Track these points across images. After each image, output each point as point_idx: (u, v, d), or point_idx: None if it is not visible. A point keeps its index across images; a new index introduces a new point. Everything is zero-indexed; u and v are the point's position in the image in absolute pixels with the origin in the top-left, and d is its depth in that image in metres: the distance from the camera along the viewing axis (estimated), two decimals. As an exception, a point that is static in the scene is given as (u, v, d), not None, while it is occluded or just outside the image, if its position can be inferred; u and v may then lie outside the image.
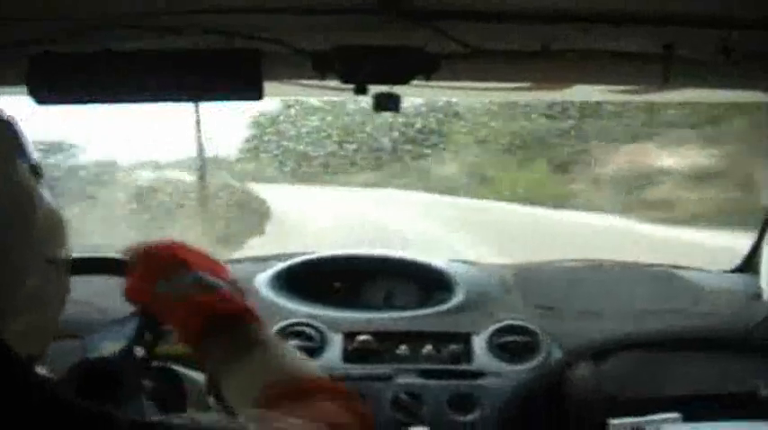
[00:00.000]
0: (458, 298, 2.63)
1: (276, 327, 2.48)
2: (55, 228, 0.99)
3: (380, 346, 2.50)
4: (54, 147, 7.58)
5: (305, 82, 2.03)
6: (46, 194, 0.98)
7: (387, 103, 1.97)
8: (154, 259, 1.47)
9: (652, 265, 3.00)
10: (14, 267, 0.91)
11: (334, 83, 1.93)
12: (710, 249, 7.01)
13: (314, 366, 1.31)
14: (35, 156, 1.03)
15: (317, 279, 2.72)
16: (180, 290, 1.39)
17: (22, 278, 0.92)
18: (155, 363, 1.82)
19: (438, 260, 2.80)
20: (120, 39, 1.78)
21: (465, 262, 2.85)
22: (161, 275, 1.43)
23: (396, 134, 8.55)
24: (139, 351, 1.68)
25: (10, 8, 1.63)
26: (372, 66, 1.86)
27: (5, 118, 0.99)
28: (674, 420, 2.25)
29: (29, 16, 1.67)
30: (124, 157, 9.47)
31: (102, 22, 1.72)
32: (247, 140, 9.82)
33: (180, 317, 1.39)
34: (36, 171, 0.97)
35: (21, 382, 0.85)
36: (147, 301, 1.48)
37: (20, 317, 0.93)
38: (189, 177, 9.14)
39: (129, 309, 2.29)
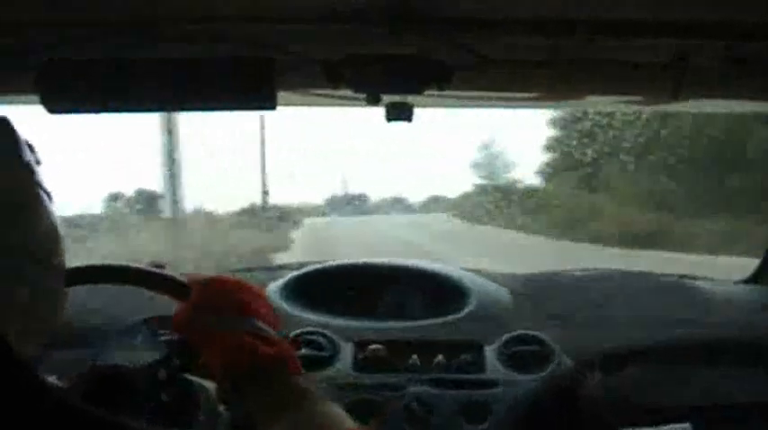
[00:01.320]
0: (470, 307, 2.63)
1: (288, 337, 2.48)
2: (52, 231, 0.99)
3: (392, 356, 2.49)
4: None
5: (318, 91, 2.04)
6: (43, 197, 0.98)
7: (399, 113, 1.97)
8: (214, 294, 1.47)
9: (663, 275, 3.00)
10: (11, 267, 0.91)
11: (346, 92, 1.93)
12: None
13: (353, 425, 1.33)
14: (30, 155, 1.03)
15: (329, 288, 2.72)
16: (233, 330, 1.39)
17: (18, 278, 0.92)
18: (163, 371, 1.83)
19: (450, 269, 2.80)
20: (133, 47, 1.78)
21: (477, 271, 2.85)
22: (217, 312, 1.43)
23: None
24: (162, 373, 1.70)
25: (21, 15, 1.65)
26: (385, 75, 1.87)
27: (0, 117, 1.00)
28: (684, 430, 2.25)
29: (40, 23, 1.68)
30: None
31: (115, 30, 1.73)
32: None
33: (226, 356, 1.39)
34: (30, 168, 0.97)
35: (30, 388, 0.86)
36: (193, 332, 1.48)
37: (16, 318, 0.93)
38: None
39: (136, 317, 2.31)
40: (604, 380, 2.52)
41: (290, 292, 2.68)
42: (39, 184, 0.97)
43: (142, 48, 1.78)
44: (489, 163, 24.92)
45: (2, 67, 1.84)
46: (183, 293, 1.59)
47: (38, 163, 1.08)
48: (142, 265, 1.75)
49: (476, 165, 25.65)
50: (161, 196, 15.98)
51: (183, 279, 1.63)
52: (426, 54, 1.85)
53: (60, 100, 1.77)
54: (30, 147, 1.06)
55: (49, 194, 1.00)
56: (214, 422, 1.78)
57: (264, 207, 21.04)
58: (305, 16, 1.68)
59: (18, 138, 1.00)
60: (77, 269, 1.68)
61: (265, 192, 20.89)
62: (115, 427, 0.90)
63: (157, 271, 1.71)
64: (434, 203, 32.12)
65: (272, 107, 1.83)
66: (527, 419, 2.43)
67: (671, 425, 2.27)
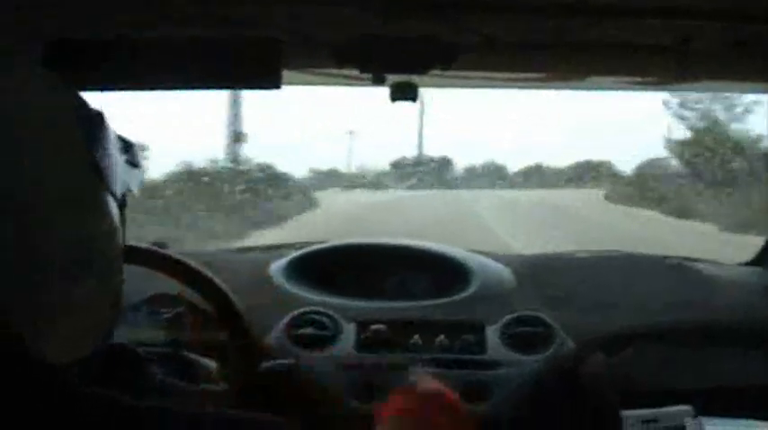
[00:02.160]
0: (472, 288, 2.63)
1: (290, 316, 2.49)
2: (107, 236, 0.96)
3: (394, 336, 2.50)
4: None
5: (323, 71, 2.04)
6: (107, 200, 0.94)
7: (404, 93, 1.97)
8: (416, 405, 1.59)
9: (666, 257, 2.99)
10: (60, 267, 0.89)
11: (352, 72, 1.93)
12: None
13: None
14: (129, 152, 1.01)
15: (332, 268, 2.72)
16: None
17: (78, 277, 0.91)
18: (167, 350, 1.84)
19: (453, 249, 2.80)
20: (138, 26, 1.78)
21: (479, 252, 2.85)
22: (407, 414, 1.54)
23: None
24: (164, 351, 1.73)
25: None
26: (390, 55, 1.87)
27: (95, 110, 0.97)
28: (686, 413, 2.25)
29: (45, 3, 1.67)
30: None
31: (120, 10, 1.72)
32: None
33: None
34: (98, 170, 0.94)
35: (30, 370, 0.86)
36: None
37: (69, 319, 0.92)
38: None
39: (138, 295, 2.31)
40: (606, 362, 2.52)
41: (293, 272, 2.68)
42: (106, 186, 0.94)
43: (149, 27, 1.77)
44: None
45: (7, 46, 1.83)
46: (136, 257, 1.61)
47: (134, 165, 1.06)
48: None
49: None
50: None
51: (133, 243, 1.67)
52: (431, 35, 1.85)
53: (65, 79, 1.76)
54: (127, 146, 1.05)
55: (115, 196, 0.97)
56: (215, 398, 1.79)
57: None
58: None
59: (102, 136, 0.96)
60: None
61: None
62: (119, 406, 0.90)
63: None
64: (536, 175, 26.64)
65: (277, 86, 1.84)
66: (529, 400, 2.43)
67: (673, 407, 2.27)
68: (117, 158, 0.99)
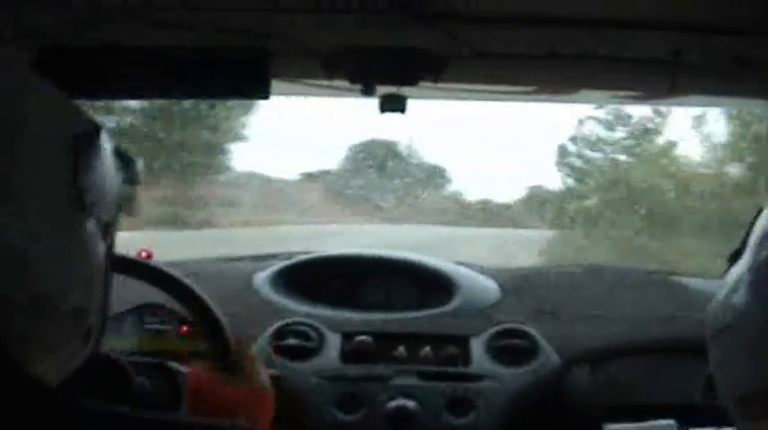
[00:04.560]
0: (457, 300, 2.63)
1: (274, 326, 2.48)
2: (88, 278, 0.94)
3: (378, 347, 2.49)
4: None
5: (312, 81, 2.03)
6: (90, 238, 0.92)
7: (393, 105, 1.97)
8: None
9: (651, 272, 3.00)
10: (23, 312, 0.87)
11: (341, 83, 1.93)
12: None
13: None
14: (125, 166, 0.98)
15: (317, 278, 2.71)
16: None
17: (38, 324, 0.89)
18: (151, 359, 1.83)
19: (438, 262, 2.80)
20: (128, 34, 1.77)
21: (465, 264, 2.85)
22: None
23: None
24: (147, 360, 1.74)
25: (19, 1, 1.63)
26: (380, 66, 1.86)
27: (92, 125, 0.94)
28: (670, 427, 2.25)
29: (36, 8, 1.66)
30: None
31: (110, 17, 1.71)
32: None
33: None
34: (132, 181, 0.91)
35: (16, 379, 0.85)
36: None
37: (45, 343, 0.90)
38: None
39: (123, 305, 2.30)
40: (591, 376, 2.52)
41: (278, 282, 2.67)
42: (90, 213, 0.90)
43: (137, 35, 1.76)
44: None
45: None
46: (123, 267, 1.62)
47: (133, 181, 1.03)
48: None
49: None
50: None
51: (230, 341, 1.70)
52: (422, 46, 1.84)
53: (54, 86, 1.75)
54: (125, 162, 1.01)
55: (100, 220, 0.93)
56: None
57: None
58: (301, 6, 1.67)
59: (95, 154, 0.93)
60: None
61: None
62: (104, 416, 0.89)
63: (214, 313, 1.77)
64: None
65: (266, 97, 1.83)
66: (513, 413, 2.43)
67: (657, 421, 2.27)
68: (110, 179, 0.96)
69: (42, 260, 0.86)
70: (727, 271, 1.14)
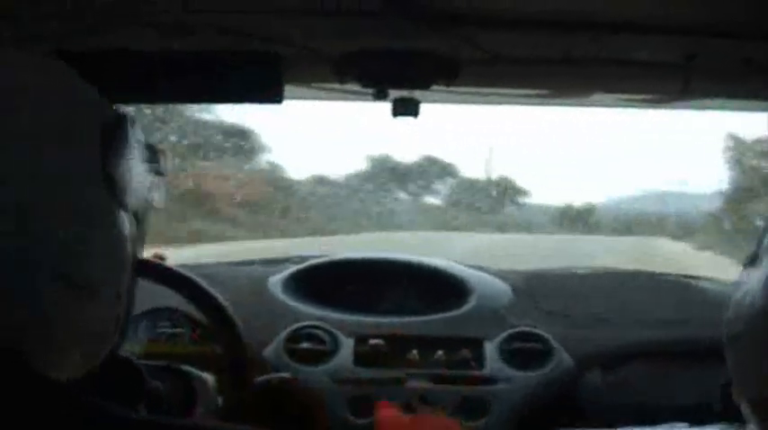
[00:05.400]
0: (470, 303, 2.63)
1: (288, 330, 2.48)
2: (116, 254, 0.95)
3: (392, 351, 2.50)
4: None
5: (324, 85, 2.03)
6: (118, 216, 0.92)
7: (405, 109, 1.97)
8: None
9: (664, 274, 2.99)
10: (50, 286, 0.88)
11: (353, 87, 1.93)
12: None
13: None
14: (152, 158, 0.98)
15: (331, 282, 2.72)
16: None
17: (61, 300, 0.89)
18: (165, 363, 1.84)
19: (451, 265, 2.80)
20: (137, 38, 1.78)
21: (478, 267, 2.85)
22: None
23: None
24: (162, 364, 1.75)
25: (23, 5, 1.64)
26: (392, 70, 1.86)
27: (119, 114, 0.95)
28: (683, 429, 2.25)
29: (42, 14, 1.66)
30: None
31: (120, 21, 1.72)
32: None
33: None
34: (112, 184, 0.92)
35: (24, 377, 0.85)
36: None
37: (68, 334, 0.91)
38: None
39: (139, 309, 2.31)
40: (604, 378, 2.52)
41: (292, 286, 2.67)
42: (120, 202, 0.91)
43: (147, 40, 1.77)
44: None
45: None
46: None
47: (159, 173, 1.04)
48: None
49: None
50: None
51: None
52: (434, 50, 1.84)
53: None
54: (152, 154, 1.02)
55: (130, 212, 0.94)
56: (212, 412, 1.79)
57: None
58: (313, 10, 1.67)
59: (123, 143, 0.93)
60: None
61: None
62: (111, 417, 0.89)
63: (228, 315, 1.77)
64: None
65: (279, 101, 1.83)
66: (526, 416, 2.43)
67: (669, 425, 2.26)
68: (138, 168, 0.97)
69: (73, 243, 0.87)
70: (746, 268, 1.14)
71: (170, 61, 1.81)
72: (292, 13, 1.68)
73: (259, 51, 1.81)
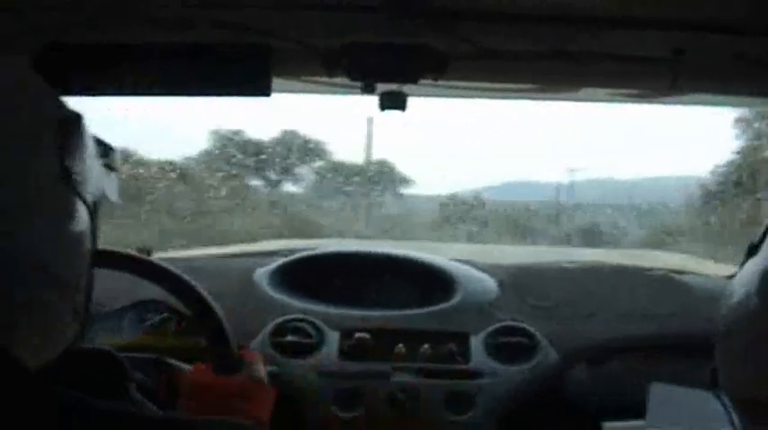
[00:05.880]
0: (456, 297, 2.63)
1: (274, 323, 2.48)
2: (74, 243, 0.96)
3: (377, 344, 2.49)
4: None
5: (312, 79, 2.03)
6: (77, 206, 0.94)
7: (393, 102, 1.96)
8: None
9: (650, 269, 3.00)
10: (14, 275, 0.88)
11: (341, 80, 1.92)
12: None
13: None
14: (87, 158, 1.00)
15: (317, 275, 2.71)
16: None
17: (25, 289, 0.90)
18: (149, 355, 1.83)
19: (438, 259, 2.80)
20: (130, 31, 1.77)
21: (464, 261, 2.85)
22: None
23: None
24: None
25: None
26: (381, 64, 1.86)
27: (73, 113, 0.97)
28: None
29: (37, 6, 1.66)
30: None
31: (112, 14, 1.71)
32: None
33: None
34: (69, 175, 0.93)
35: (6, 371, 0.85)
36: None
37: (31, 322, 0.91)
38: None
39: (123, 300, 2.30)
40: (590, 373, 2.52)
41: (278, 279, 2.67)
42: (76, 190, 0.93)
43: (137, 33, 1.76)
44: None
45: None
46: (118, 263, 1.63)
47: (111, 169, 1.06)
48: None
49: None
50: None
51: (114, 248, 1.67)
52: (423, 43, 1.84)
53: (55, 83, 1.76)
54: (105, 150, 1.04)
55: (88, 204, 0.96)
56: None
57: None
58: (302, 3, 1.66)
59: (78, 140, 0.96)
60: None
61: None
62: (88, 409, 0.89)
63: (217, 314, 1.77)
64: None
65: (267, 94, 1.83)
66: (512, 410, 2.43)
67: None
68: (92, 163, 0.99)
69: (32, 231, 0.89)
70: (743, 264, 1.14)
71: (158, 54, 1.81)
72: (282, 6, 1.67)
73: (248, 44, 1.81)
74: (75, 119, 0.96)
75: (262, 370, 1.70)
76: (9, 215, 0.87)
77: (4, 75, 0.93)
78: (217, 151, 16.73)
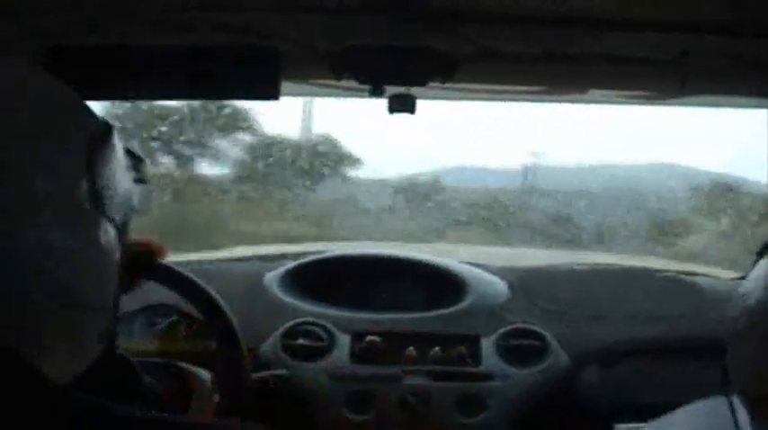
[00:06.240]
0: (467, 300, 2.62)
1: (284, 327, 2.48)
2: (101, 269, 0.94)
3: (388, 347, 2.49)
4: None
5: (321, 82, 2.03)
6: (102, 227, 0.92)
7: (402, 105, 1.97)
8: None
9: (661, 271, 2.99)
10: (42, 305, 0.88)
11: (350, 83, 1.93)
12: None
13: None
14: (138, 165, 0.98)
15: (327, 279, 2.71)
16: None
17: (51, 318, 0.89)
18: (160, 360, 1.83)
19: (448, 261, 2.79)
20: (136, 34, 1.78)
21: (475, 264, 2.84)
22: None
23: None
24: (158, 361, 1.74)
25: (23, 2, 1.63)
26: (389, 67, 1.86)
27: (103, 124, 0.94)
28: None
29: (41, 9, 1.66)
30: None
31: (117, 17, 1.71)
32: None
33: None
34: (142, 180, 0.92)
35: (14, 372, 0.85)
36: None
37: (56, 339, 0.91)
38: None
39: (135, 305, 2.30)
40: (601, 375, 2.52)
41: (288, 282, 2.67)
42: (103, 211, 0.91)
43: (145, 36, 1.77)
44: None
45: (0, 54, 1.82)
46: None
47: (142, 181, 1.04)
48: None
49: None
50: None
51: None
52: (430, 46, 1.84)
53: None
54: (136, 162, 1.02)
55: (117, 225, 0.94)
56: (208, 409, 1.79)
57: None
58: (305, 6, 1.67)
59: (108, 153, 0.93)
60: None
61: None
62: (100, 412, 0.89)
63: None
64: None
65: (275, 97, 1.83)
66: (523, 413, 2.43)
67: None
68: (121, 177, 0.97)
69: (59, 257, 0.87)
70: (755, 262, 1.14)
71: (166, 57, 1.81)
72: (290, 9, 1.68)
73: (256, 47, 1.81)
74: (106, 132, 0.94)
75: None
76: (33, 227, 0.85)
77: (32, 85, 0.91)
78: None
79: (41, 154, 0.86)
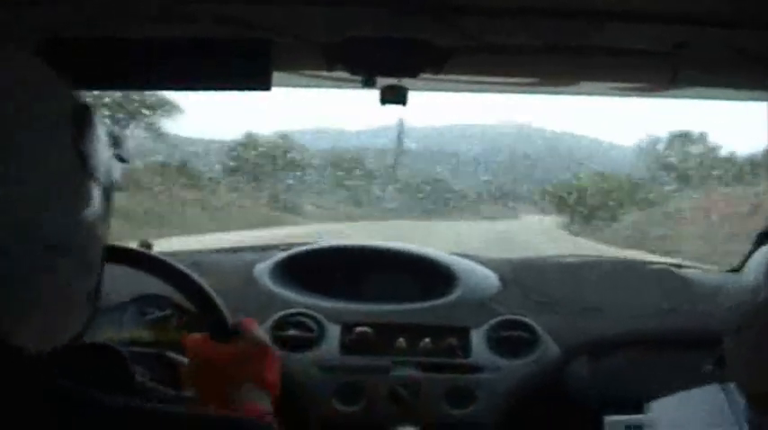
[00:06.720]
0: (457, 292, 2.62)
1: (275, 317, 2.48)
2: (92, 223, 0.97)
3: (378, 338, 2.49)
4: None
5: (313, 73, 2.03)
6: (92, 188, 0.97)
7: (394, 96, 1.97)
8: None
9: (652, 263, 3.00)
10: (36, 256, 0.90)
11: (342, 74, 1.92)
12: None
13: None
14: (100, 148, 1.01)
15: (318, 269, 2.71)
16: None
17: (45, 268, 0.91)
18: (151, 350, 1.83)
19: (438, 253, 2.79)
20: (131, 26, 1.77)
21: (465, 255, 2.85)
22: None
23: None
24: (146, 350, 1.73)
25: None
26: (381, 58, 1.86)
27: (84, 104, 0.99)
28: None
29: (37, 1, 1.66)
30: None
31: (114, 9, 1.71)
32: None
33: None
34: (84, 158, 0.95)
35: (8, 360, 0.85)
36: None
37: (43, 306, 0.92)
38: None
39: (126, 296, 2.30)
40: (591, 367, 2.52)
41: (278, 273, 2.67)
42: (91, 175, 0.96)
43: (138, 27, 1.76)
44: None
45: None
46: (121, 257, 1.63)
47: (122, 159, 1.08)
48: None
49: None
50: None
51: (229, 321, 1.67)
52: (422, 38, 1.84)
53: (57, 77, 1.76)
54: (116, 141, 1.07)
55: (100, 185, 0.98)
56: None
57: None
58: None
59: (90, 129, 0.98)
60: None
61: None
62: (91, 403, 0.89)
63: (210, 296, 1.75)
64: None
65: (267, 88, 1.83)
66: (513, 404, 2.44)
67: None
68: (103, 151, 1.01)
69: (50, 212, 0.91)
70: (750, 253, 1.14)
71: (159, 48, 1.81)
72: (283, 1, 1.67)
73: (248, 39, 1.80)
74: (87, 107, 0.99)
75: (261, 334, 1.69)
76: (29, 199, 0.88)
77: (19, 68, 0.95)
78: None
79: (32, 128, 0.92)
